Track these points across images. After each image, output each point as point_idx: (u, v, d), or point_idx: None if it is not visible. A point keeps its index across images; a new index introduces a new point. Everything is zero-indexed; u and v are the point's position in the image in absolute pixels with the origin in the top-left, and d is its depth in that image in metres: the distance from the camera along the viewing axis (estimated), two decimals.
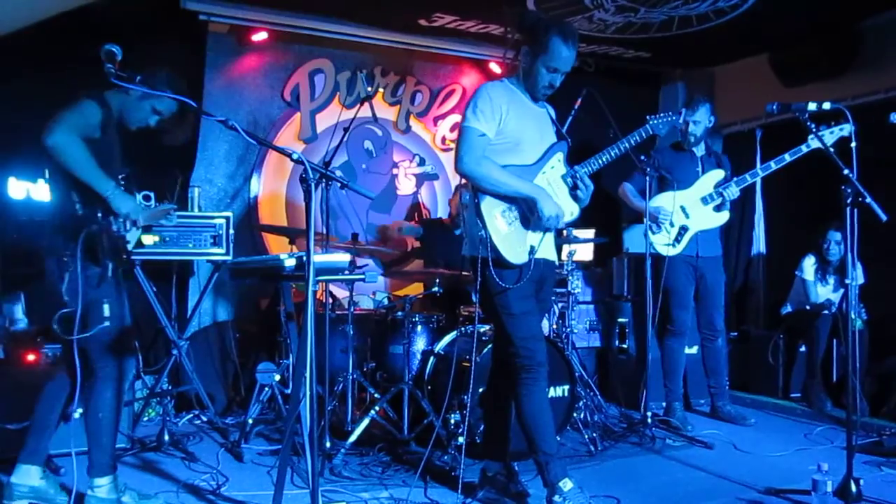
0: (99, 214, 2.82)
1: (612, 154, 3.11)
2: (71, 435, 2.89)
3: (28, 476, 2.91)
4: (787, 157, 4.30)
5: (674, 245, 4.47)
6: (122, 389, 2.99)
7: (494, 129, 2.92)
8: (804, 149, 4.26)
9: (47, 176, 3.03)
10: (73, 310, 2.76)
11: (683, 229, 4.47)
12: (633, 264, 5.59)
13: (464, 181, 3.00)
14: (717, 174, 4.54)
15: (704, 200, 4.49)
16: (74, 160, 2.73)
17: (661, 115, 3.37)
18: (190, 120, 3.09)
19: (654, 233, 4.46)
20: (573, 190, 3.05)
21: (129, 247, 2.96)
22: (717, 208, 4.51)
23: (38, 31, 4.28)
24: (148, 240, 4.07)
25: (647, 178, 4.33)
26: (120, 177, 2.94)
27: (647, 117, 3.34)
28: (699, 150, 4.61)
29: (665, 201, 4.49)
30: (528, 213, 2.92)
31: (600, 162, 3.09)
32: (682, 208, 4.48)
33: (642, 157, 4.33)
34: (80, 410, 2.93)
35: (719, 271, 4.68)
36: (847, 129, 3.82)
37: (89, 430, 2.91)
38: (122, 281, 2.98)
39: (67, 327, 2.75)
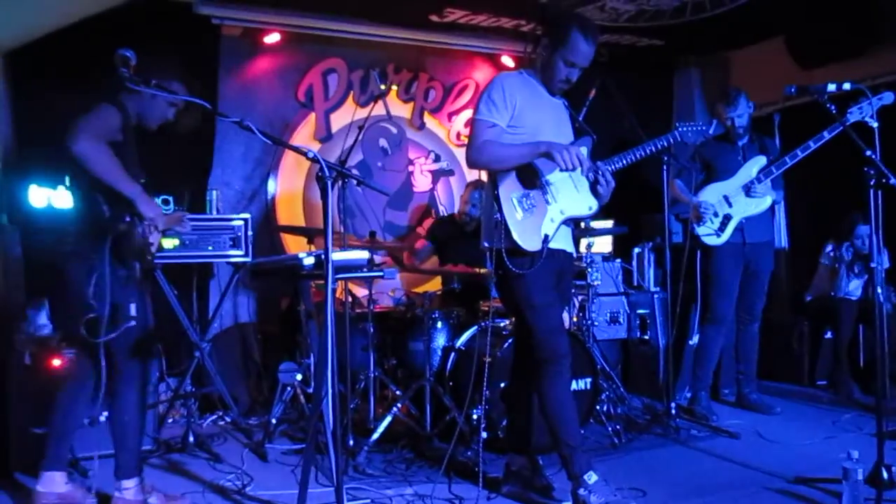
0: (126, 216, 2.84)
1: (637, 155, 3.10)
2: (98, 438, 2.93)
3: (52, 483, 2.92)
4: (826, 135, 4.14)
5: (717, 235, 4.47)
6: (145, 391, 3.02)
7: (507, 119, 2.93)
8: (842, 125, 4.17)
9: (68, 183, 3.04)
10: (100, 313, 2.77)
11: (727, 218, 4.46)
12: (657, 256, 5.55)
13: (474, 179, 3.01)
14: (759, 160, 4.49)
15: (746, 188, 4.46)
16: (102, 165, 2.73)
17: (691, 124, 3.33)
18: (197, 106, 3.09)
19: (697, 226, 4.47)
20: (594, 185, 3.04)
21: (153, 249, 2.97)
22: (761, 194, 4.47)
23: (53, 40, 4.33)
24: (168, 243, 4.09)
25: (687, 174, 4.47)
26: (141, 181, 2.96)
27: (676, 124, 3.32)
28: (742, 140, 4.58)
29: (708, 194, 4.50)
30: (550, 161, 2.86)
31: (624, 161, 3.08)
32: (725, 197, 4.48)
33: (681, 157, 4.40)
34: (105, 413, 2.95)
35: (768, 258, 4.66)
36: (888, 97, 3.72)
37: (115, 432, 2.94)
38: (145, 283, 3.00)
39: (94, 330, 2.76)
